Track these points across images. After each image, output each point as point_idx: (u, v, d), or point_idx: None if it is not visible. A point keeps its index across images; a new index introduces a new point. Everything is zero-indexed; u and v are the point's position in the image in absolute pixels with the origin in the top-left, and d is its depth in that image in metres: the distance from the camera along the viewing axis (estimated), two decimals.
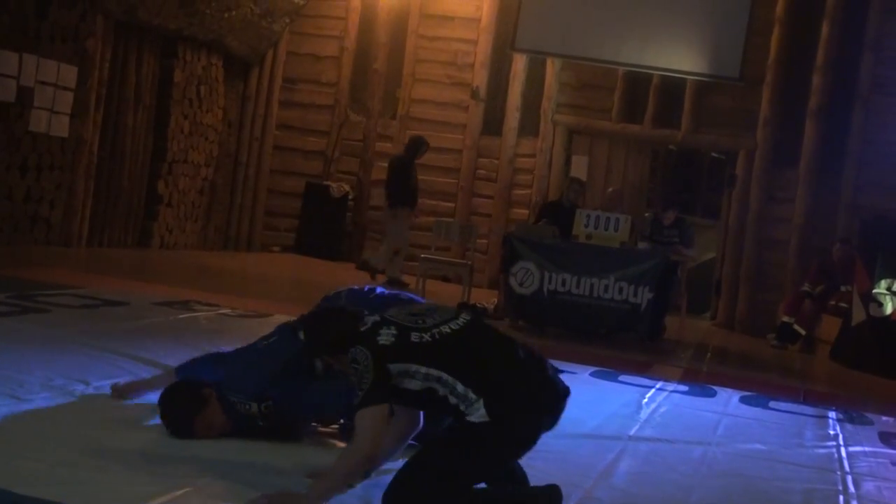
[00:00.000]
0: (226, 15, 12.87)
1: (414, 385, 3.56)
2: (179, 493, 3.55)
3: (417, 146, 12.52)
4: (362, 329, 3.67)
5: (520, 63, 14.10)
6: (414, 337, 3.60)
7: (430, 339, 3.60)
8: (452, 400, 3.55)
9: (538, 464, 4.17)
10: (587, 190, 12.58)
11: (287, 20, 14.49)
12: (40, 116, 10.74)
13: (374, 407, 3.52)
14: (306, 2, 14.47)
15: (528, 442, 3.69)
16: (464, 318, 3.77)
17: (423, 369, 3.55)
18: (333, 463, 3.63)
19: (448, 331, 3.65)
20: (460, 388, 3.54)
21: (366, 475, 3.65)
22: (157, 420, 4.39)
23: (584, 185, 12.30)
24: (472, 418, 3.52)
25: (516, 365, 3.69)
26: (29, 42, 10.42)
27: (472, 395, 3.53)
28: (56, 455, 3.75)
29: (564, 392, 3.76)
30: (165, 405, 4.31)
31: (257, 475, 3.85)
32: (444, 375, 3.55)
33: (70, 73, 11.08)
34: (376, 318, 3.72)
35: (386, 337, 3.59)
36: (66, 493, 3.35)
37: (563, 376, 7.19)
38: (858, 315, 10.31)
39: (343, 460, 3.58)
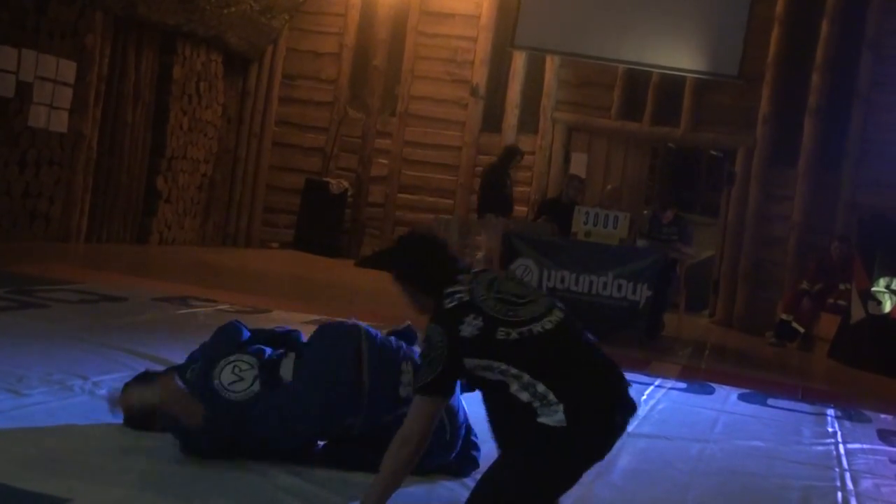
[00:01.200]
0: (225, 11, 12.86)
1: (488, 375, 3.38)
2: (177, 481, 3.56)
3: (512, 155, 12.48)
4: (448, 306, 3.42)
5: (519, 60, 14.10)
6: (500, 334, 3.35)
7: (517, 338, 3.36)
8: (525, 397, 3.33)
9: None
10: (586, 187, 12.58)
11: (287, 16, 14.49)
12: (39, 112, 10.74)
13: (436, 397, 3.37)
14: None
15: (595, 456, 3.49)
16: (557, 315, 3.49)
17: (504, 366, 3.34)
18: (382, 462, 3.39)
19: (539, 331, 3.39)
20: (541, 388, 3.33)
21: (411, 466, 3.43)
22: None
23: (584, 182, 12.31)
24: (547, 420, 3.31)
25: (600, 374, 3.49)
26: (28, 37, 10.42)
27: (552, 398, 3.31)
28: (54, 449, 3.75)
29: (633, 409, 3.55)
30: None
31: (255, 475, 3.84)
32: (525, 375, 3.33)
33: (69, 69, 11.08)
34: (464, 296, 3.43)
35: (469, 328, 3.35)
36: (65, 488, 3.36)
37: None
38: (857, 313, 10.31)
39: (393, 454, 3.35)
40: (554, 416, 3.30)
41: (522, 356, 3.34)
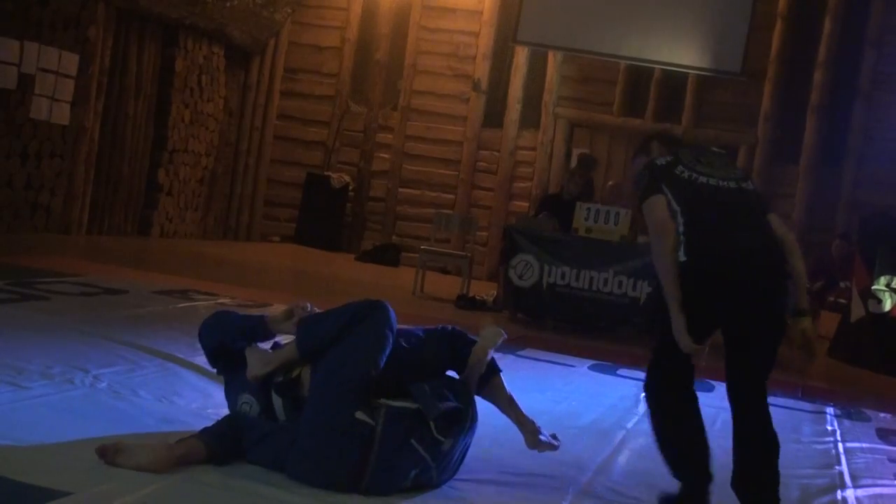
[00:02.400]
0: (227, 4, 12.86)
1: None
2: (177, 476, 3.56)
3: (588, 165, 12.29)
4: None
5: (521, 55, 14.10)
6: (678, 170, 3.97)
7: (687, 177, 3.94)
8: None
9: (536, 457, 4.17)
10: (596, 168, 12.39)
11: (289, 10, 14.48)
12: (41, 104, 10.74)
13: (656, 194, 3.92)
14: None
15: (724, 294, 3.85)
16: (742, 184, 4.00)
17: (671, 198, 3.90)
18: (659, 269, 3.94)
19: (706, 182, 3.94)
20: (681, 227, 3.86)
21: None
22: (158, 408, 4.40)
23: (596, 161, 12.18)
24: (679, 255, 3.85)
25: (735, 232, 3.88)
26: (30, 29, 10.41)
27: (681, 237, 3.84)
28: (55, 443, 3.75)
29: (766, 271, 3.89)
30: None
31: (258, 471, 3.83)
32: (680, 212, 3.87)
33: (71, 61, 11.08)
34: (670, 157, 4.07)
35: (661, 160, 4.06)
36: (65, 481, 3.35)
37: (561, 369, 7.21)
38: (857, 311, 10.31)
39: (659, 253, 3.90)
40: (679, 252, 3.85)
41: (683, 194, 3.90)
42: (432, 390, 3.82)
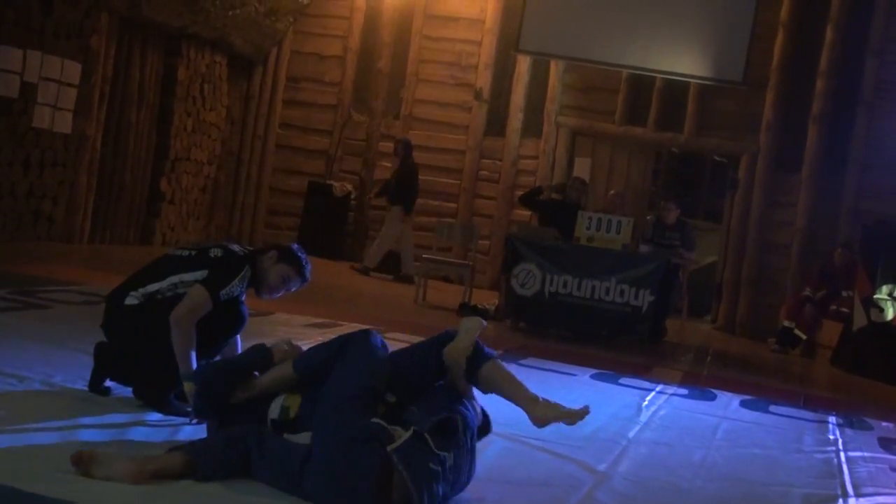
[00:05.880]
0: (230, 13, 12.88)
1: None
2: (182, 484, 3.57)
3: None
4: None
5: (523, 64, 14.11)
6: None
7: None
8: None
9: (537, 466, 4.17)
10: (590, 191, 12.57)
11: (291, 19, 14.50)
12: (44, 113, 10.74)
13: None
14: (310, 1, 14.47)
15: None
16: None
17: None
18: None
19: None
20: None
21: None
22: (158, 417, 4.41)
23: (587, 185, 12.30)
24: None
25: None
26: (33, 38, 10.42)
27: None
28: (58, 452, 3.74)
29: None
30: None
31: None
32: None
33: (74, 70, 11.09)
34: None
35: None
36: (70, 490, 3.35)
37: (563, 378, 7.21)
38: (859, 320, 10.31)
39: None
40: None
41: None
42: (420, 410, 3.77)
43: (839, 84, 12.91)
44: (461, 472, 3.74)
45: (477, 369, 3.93)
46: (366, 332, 4.03)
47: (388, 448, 3.49)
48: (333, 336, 4.24)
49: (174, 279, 4.52)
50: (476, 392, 4.06)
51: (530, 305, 9.91)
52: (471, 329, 3.97)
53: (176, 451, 3.70)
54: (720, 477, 4.99)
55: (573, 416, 3.83)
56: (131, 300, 4.55)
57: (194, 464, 3.64)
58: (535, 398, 3.86)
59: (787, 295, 12.50)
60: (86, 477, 3.50)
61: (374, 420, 3.63)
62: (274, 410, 4.00)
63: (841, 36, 12.88)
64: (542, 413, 3.83)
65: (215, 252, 4.58)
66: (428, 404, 3.82)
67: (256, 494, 3.60)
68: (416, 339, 8.06)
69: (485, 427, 4.06)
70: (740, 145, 13.49)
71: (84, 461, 3.53)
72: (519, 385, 3.92)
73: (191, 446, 3.77)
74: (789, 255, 12.97)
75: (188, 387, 4.24)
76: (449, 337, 4.03)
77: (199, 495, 3.52)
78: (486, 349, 4.01)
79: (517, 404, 3.92)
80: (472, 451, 3.83)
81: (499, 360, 3.99)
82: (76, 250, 11.26)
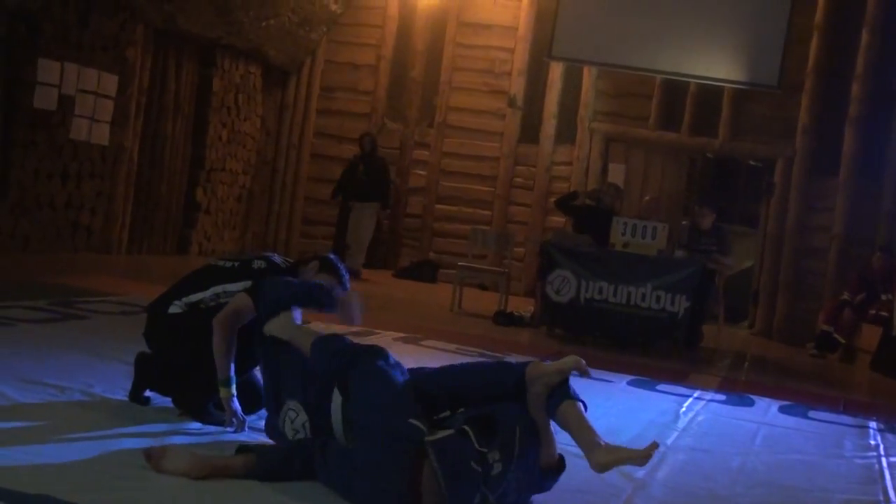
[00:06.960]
0: (264, 24, 12.96)
1: None
2: (245, 483, 3.64)
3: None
4: None
5: (557, 71, 14.10)
6: None
7: None
8: None
9: (575, 473, 4.15)
10: (625, 197, 12.53)
11: (324, 29, 14.57)
12: (81, 125, 10.85)
13: None
14: (344, 10, 14.54)
15: None
16: None
17: None
18: None
19: None
20: None
21: None
22: (200, 425, 4.45)
23: (622, 191, 12.27)
24: None
25: None
26: (70, 51, 10.54)
27: None
28: (100, 462, 3.77)
29: None
30: None
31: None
32: None
33: (110, 82, 11.20)
34: None
35: None
36: (112, 501, 3.38)
37: (600, 385, 7.19)
38: None
39: None
40: None
41: None
42: (462, 414, 3.75)
43: (875, 87, 12.81)
44: (508, 490, 3.59)
45: (559, 402, 3.77)
46: (373, 357, 4.00)
47: (426, 439, 3.48)
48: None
49: (217, 289, 4.56)
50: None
51: (566, 312, 9.89)
52: (567, 361, 3.83)
53: (243, 452, 3.80)
54: (759, 483, 4.96)
55: (638, 458, 3.71)
56: (175, 308, 4.59)
57: (258, 464, 3.72)
58: (598, 443, 3.70)
59: (825, 299, 12.41)
60: (157, 471, 3.64)
61: (412, 420, 3.61)
62: (337, 422, 3.94)
63: (876, 39, 12.77)
64: (603, 458, 3.67)
65: (259, 264, 4.62)
66: (466, 411, 3.78)
67: (307, 500, 3.63)
68: (453, 346, 8.11)
69: (559, 466, 3.93)
70: (775, 149, 13.41)
71: (155, 456, 3.68)
72: (589, 429, 3.75)
73: (259, 447, 3.87)
74: (827, 260, 12.87)
75: (224, 392, 4.29)
76: (502, 367, 4.01)
77: (250, 494, 3.55)
78: (575, 390, 3.85)
79: (580, 447, 3.77)
80: (527, 468, 3.69)
81: (580, 405, 3.81)
82: (114, 261, 11.36)
